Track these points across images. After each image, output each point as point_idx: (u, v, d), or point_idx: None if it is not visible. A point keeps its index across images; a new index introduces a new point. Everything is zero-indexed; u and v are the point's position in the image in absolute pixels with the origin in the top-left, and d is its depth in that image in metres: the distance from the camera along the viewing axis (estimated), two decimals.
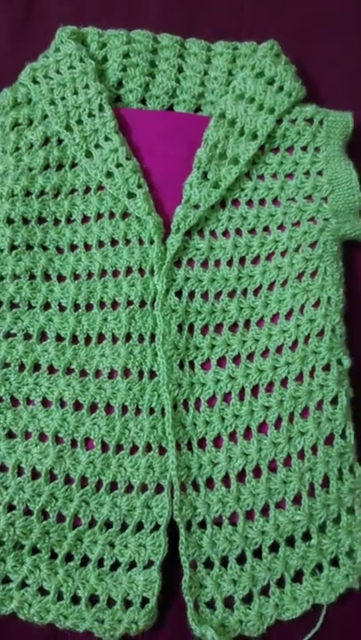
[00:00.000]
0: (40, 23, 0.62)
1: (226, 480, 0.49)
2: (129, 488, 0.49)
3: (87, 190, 0.55)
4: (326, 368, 0.51)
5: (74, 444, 0.49)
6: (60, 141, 0.55)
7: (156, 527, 0.48)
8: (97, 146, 0.55)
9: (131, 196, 0.54)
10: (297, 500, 0.49)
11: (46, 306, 0.53)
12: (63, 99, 0.55)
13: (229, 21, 0.63)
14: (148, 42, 0.58)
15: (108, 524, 0.48)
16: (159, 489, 0.48)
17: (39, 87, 0.55)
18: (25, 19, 0.63)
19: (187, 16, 0.62)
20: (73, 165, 0.55)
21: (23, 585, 0.47)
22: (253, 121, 0.55)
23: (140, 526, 0.48)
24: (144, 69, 0.59)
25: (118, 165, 0.54)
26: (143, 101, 0.59)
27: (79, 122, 0.55)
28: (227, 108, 0.55)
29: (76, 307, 0.53)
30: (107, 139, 0.54)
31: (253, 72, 0.56)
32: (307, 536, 0.48)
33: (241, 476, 0.49)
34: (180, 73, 0.59)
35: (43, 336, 0.52)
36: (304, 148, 0.56)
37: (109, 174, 0.54)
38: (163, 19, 0.62)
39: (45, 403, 0.50)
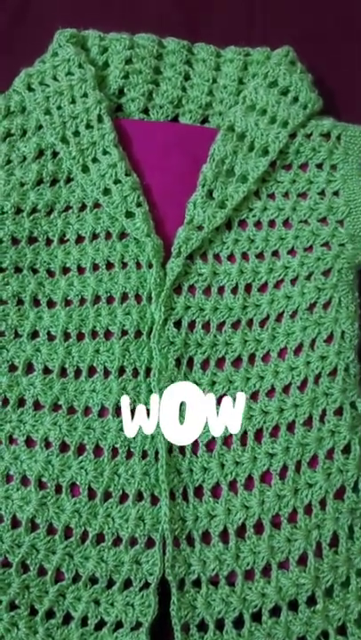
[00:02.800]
0: (37, 25, 0.58)
1: (224, 535, 0.45)
2: (117, 541, 0.45)
3: (82, 208, 0.52)
4: (338, 412, 0.47)
5: (58, 489, 0.46)
6: (54, 154, 0.52)
7: (146, 585, 0.44)
8: (94, 160, 0.51)
9: (129, 215, 0.50)
10: (302, 560, 0.44)
11: (34, 334, 0.49)
12: (60, 108, 0.52)
13: (240, 25, 0.59)
14: (152, 47, 0.55)
15: (94, 580, 0.44)
16: (150, 543, 0.45)
17: (34, 95, 0.52)
18: (20, 20, 0.60)
19: (194, 19, 0.58)
20: (68, 181, 0.52)
21: None
22: (265, 135, 0.51)
23: (128, 583, 0.44)
24: (147, 76, 0.55)
25: (117, 182, 0.51)
26: (146, 111, 0.56)
27: (76, 133, 0.52)
28: (236, 120, 0.52)
29: (67, 336, 0.49)
30: (105, 152, 0.51)
31: (266, 81, 0.53)
32: (312, 600, 0.44)
33: (241, 531, 0.45)
34: (187, 81, 0.56)
35: (29, 368, 0.49)
36: (319, 166, 0.51)
37: (107, 191, 0.51)
38: (168, 21, 0.58)
39: (29, 442, 0.47)
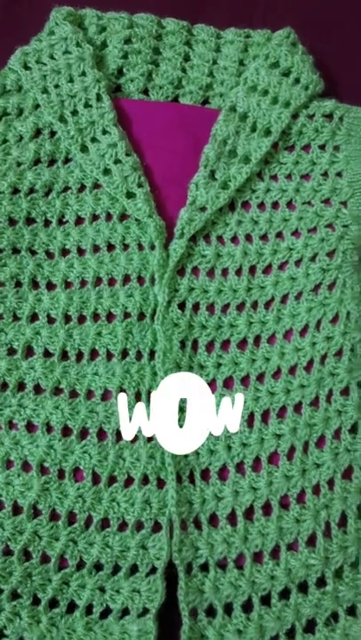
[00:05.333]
0: (32, 3, 0.57)
1: (232, 517, 0.44)
2: (122, 526, 0.44)
3: (82, 189, 0.51)
4: (345, 392, 0.46)
5: (61, 474, 0.44)
6: (52, 134, 0.51)
7: (153, 570, 0.43)
8: (93, 140, 0.50)
9: (130, 195, 0.49)
10: (311, 541, 0.44)
11: (33, 317, 0.48)
12: (57, 87, 0.51)
13: (241, 6, 0.58)
14: (151, 27, 0.54)
15: (99, 567, 0.43)
16: (157, 527, 0.44)
17: (31, 73, 0.51)
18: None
19: (187, 14, 0.57)
20: (66, 161, 0.51)
21: (1, 635, 0.42)
22: (267, 115, 0.51)
23: (134, 569, 0.43)
24: (147, 57, 0.55)
25: (117, 162, 0.50)
26: (145, 92, 0.55)
27: (74, 113, 0.51)
28: (238, 100, 0.51)
29: (67, 319, 0.48)
30: (105, 132, 0.50)
31: (267, 62, 0.52)
32: (321, 582, 0.43)
33: (249, 513, 0.44)
34: (187, 62, 0.55)
35: (29, 351, 0.47)
36: (322, 147, 0.51)
37: (107, 171, 0.50)
38: (168, 1, 0.57)
39: (30, 427, 0.46)
